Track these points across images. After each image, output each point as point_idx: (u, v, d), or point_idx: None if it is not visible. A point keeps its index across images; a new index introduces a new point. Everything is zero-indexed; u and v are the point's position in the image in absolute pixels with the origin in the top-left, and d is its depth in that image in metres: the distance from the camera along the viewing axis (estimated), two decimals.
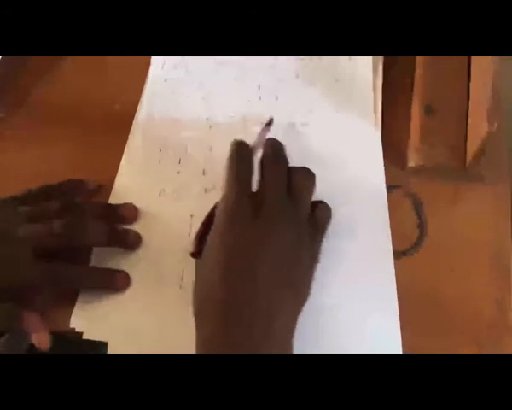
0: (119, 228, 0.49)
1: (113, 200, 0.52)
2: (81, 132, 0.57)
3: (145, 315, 0.46)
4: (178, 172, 0.53)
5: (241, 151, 0.44)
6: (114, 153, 0.55)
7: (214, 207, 0.44)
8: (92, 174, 0.53)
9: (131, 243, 0.49)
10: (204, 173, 0.53)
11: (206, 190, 0.52)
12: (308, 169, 0.45)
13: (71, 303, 0.47)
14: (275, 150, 0.45)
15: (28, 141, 0.57)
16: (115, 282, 0.47)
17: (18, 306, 0.44)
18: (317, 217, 0.45)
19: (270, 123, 0.49)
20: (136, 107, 0.58)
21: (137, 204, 0.51)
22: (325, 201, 0.46)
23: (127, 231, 0.49)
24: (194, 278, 0.43)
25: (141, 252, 0.49)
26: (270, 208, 0.42)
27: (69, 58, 0.62)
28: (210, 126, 0.55)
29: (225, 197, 0.42)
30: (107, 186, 0.53)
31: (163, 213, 0.51)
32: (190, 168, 0.53)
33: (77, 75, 0.62)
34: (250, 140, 0.52)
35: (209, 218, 0.44)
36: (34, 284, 0.45)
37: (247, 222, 0.41)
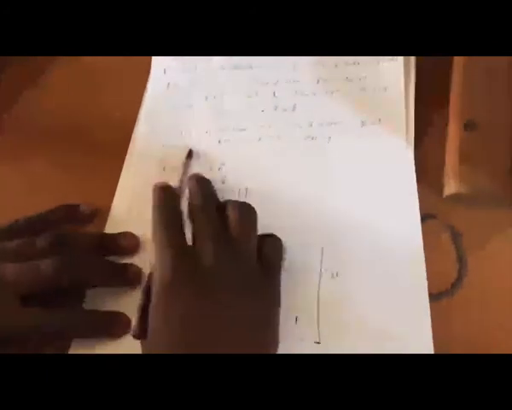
0: (117, 264, 0.44)
1: (109, 227, 0.47)
2: (73, 151, 0.52)
3: None
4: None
5: (165, 199, 0.41)
6: (111, 173, 0.49)
7: (149, 278, 0.39)
8: (86, 198, 0.48)
9: (131, 279, 0.44)
10: None
11: None
12: (243, 203, 0.41)
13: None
14: (200, 192, 0.42)
15: (14, 162, 0.52)
16: (113, 328, 0.42)
17: None
18: (267, 254, 0.40)
19: (190, 155, 0.47)
20: (135, 120, 0.52)
21: (137, 232, 0.46)
22: (349, 229, 0.43)
23: (126, 266, 0.44)
24: None
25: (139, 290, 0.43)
26: (209, 267, 0.38)
27: (58, 67, 0.56)
28: (219, 141, 0.49)
29: (159, 265, 0.38)
30: (103, 211, 0.48)
31: None
32: None
33: (67, 86, 0.56)
34: (265, 158, 0.48)
35: (146, 293, 0.39)
36: (21, 334, 0.40)
37: (187, 292, 0.37)
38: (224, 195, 0.45)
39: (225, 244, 0.38)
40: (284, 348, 0.39)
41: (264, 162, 0.48)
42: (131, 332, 0.39)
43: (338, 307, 0.41)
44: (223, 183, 0.47)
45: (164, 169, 0.49)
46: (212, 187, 0.43)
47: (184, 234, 0.40)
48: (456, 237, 0.44)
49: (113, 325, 0.42)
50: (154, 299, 0.37)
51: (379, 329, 0.40)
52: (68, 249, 0.43)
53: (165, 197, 0.41)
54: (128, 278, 0.43)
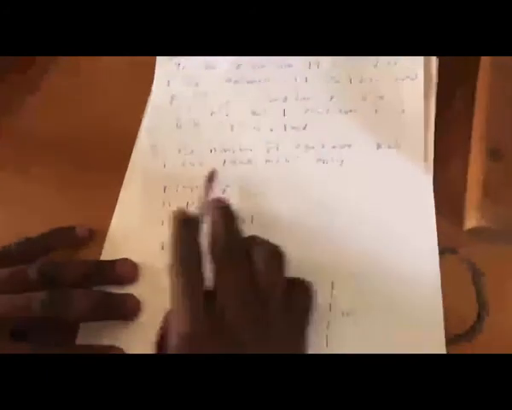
0: (114, 295, 0.41)
1: (107, 251, 0.44)
2: (70, 165, 0.48)
3: None
4: None
5: (186, 234, 0.37)
6: (110, 189, 0.46)
7: (164, 324, 0.36)
8: (83, 216, 0.45)
9: (129, 313, 0.41)
10: None
11: None
12: (271, 248, 0.37)
13: None
14: (225, 229, 0.37)
15: (8, 174, 0.49)
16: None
17: None
18: (295, 302, 0.37)
19: (212, 178, 0.42)
20: (136, 132, 0.48)
21: (136, 257, 0.43)
22: (361, 263, 0.40)
23: (124, 298, 0.41)
24: None
25: (138, 322, 0.41)
26: (233, 322, 0.34)
27: (57, 76, 0.53)
28: (224, 161, 0.46)
29: (177, 315, 0.34)
30: (100, 232, 0.45)
31: (166, 273, 0.42)
32: None
33: (66, 96, 0.52)
34: (272, 182, 0.45)
35: (160, 343, 0.35)
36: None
37: (209, 348, 0.33)
38: None
39: (251, 296, 0.35)
40: None
41: (271, 187, 0.44)
42: None
43: (348, 348, 0.39)
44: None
45: (164, 190, 0.46)
46: (238, 221, 0.39)
47: (204, 277, 0.36)
48: (476, 274, 0.40)
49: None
50: (171, 351, 0.34)
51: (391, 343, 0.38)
52: (60, 281, 0.40)
53: (186, 233, 0.37)
54: (126, 311, 0.41)
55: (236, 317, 0.34)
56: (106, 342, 0.40)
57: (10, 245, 0.42)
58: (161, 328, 0.36)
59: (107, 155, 0.48)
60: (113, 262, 0.42)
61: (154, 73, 0.51)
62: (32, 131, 0.51)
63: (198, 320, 0.34)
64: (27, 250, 0.42)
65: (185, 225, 0.37)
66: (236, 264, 0.36)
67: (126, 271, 0.42)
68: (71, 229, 0.44)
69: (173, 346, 0.34)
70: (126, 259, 0.43)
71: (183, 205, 0.45)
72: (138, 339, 0.40)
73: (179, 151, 0.47)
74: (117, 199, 0.46)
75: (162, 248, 0.43)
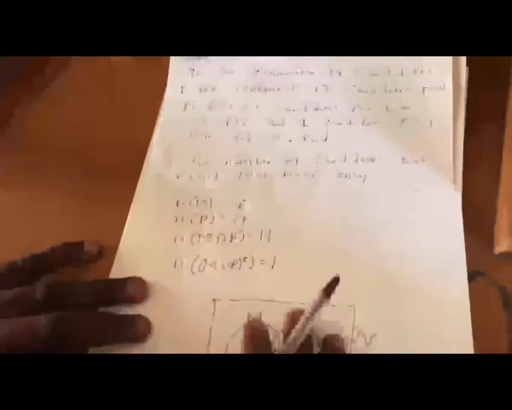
0: (123, 317, 0.40)
1: (116, 269, 0.42)
2: (77, 179, 0.47)
3: None
4: (199, 236, 0.42)
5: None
6: (119, 205, 0.44)
7: None
8: (91, 233, 0.43)
9: (139, 335, 0.39)
10: (232, 239, 0.42)
11: (233, 265, 0.41)
12: None
13: None
14: None
15: (16, 185, 0.48)
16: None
17: None
18: None
19: (332, 288, 0.34)
20: (148, 141, 0.47)
21: (146, 275, 0.41)
22: (384, 287, 0.38)
23: (134, 320, 0.39)
24: None
25: (149, 344, 0.39)
26: None
27: (67, 81, 0.52)
28: (240, 174, 0.44)
29: None
30: (109, 249, 0.43)
31: (178, 292, 0.40)
32: (215, 231, 0.42)
33: (77, 102, 0.51)
34: (290, 197, 0.43)
35: None
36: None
37: None
38: (245, 234, 0.41)
39: None
40: None
41: (290, 202, 0.42)
42: None
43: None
44: (244, 220, 0.42)
45: (177, 204, 0.44)
46: None
47: None
48: (507, 300, 0.38)
49: None
50: None
51: None
52: (68, 302, 0.39)
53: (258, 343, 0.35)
54: (136, 333, 0.39)
55: None
56: None
57: (17, 261, 0.41)
58: None
59: (117, 166, 0.46)
60: (123, 281, 0.41)
61: (167, 79, 0.49)
62: (40, 141, 0.50)
63: None
64: (34, 266, 0.41)
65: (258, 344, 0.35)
66: None
67: (137, 290, 0.40)
68: (79, 244, 0.43)
69: None
70: (137, 278, 0.41)
71: (197, 222, 0.43)
72: None
73: (193, 161, 0.45)
74: (127, 212, 0.44)
75: (174, 267, 0.41)
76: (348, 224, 0.41)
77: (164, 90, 0.49)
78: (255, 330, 0.35)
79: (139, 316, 0.40)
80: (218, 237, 0.42)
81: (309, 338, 0.34)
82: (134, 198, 0.44)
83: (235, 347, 0.37)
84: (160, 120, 0.47)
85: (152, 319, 0.40)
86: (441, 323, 0.37)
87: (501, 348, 0.37)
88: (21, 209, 0.46)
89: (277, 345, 0.35)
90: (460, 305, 0.38)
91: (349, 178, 0.43)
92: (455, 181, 0.41)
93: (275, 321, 0.36)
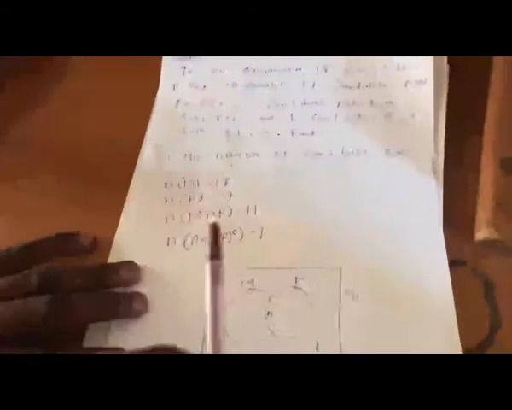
0: (120, 295, 0.41)
1: (114, 253, 0.43)
2: (74, 176, 0.48)
3: None
4: (190, 215, 0.44)
5: None
6: (114, 200, 0.45)
7: None
8: (87, 228, 0.44)
9: (137, 311, 0.40)
10: (220, 215, 0.44)
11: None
12: None
13: None
14: None
15: (11, 183, 0.48)
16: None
17: None
18: None
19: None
20: (141, 140, 0.48)
21: (142, 259, 0.42)
22: (368, 274, 0.39)
23: (131, 296, 0.40)
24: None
25: (147, 319, 0.40)
26: None
27: (62, 84, 0.53)
28: (230, 165, 0.45)
29: None
30: (105, 243, 0.44)
31: (172, 268, 0.42)
32: (204, 209, 0.44)
33: (71, 105, 0.52)
34: (280, 190, 0.44)
35: None
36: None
37: None
38: (232, 209, 0.43)
39: None
40: None
41: (279, 195, 0.44)
42: None
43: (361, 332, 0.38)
44: (230, 197, 0.44)
45: (165, 186, 0.45)
46: None
47: None
48: (488, 286, 0.40)
49: None
50: None
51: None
52: (62, 286, 0.39)
53: None
54: (134, 309, 0.40)
55: None
56: (111, 342, 0.39)
57: (11, 249, 0.41)
58: None
59: (113, 164, 0.47)
60: (116, 265, 0.42)
61: (160, 76, 0.50)
62: (37, 141, 0.51)
63: None
64: (28, 255, 0.41)
65: None
66: None
67: (130, 274, 0.41)
68: (74, 235, 0.43)
69: None
70: (130, 262, 0.42)
71: (186, 200, 0.44)
72: (145, 338, 0.39)
73: (184, 156, 0.46)
74: (122, 208, 0.45)
75: (167, 245, 0.43)
76: (334, 215, 0.42)
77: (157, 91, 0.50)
78: None
79: (137, 293, 0.40)
80: (207, 214, 0.43)
81: None
82: (128, 193, 0.45)
83: (230, 318, 0.39)
84: (153, 117, 0.48)
85: (148, 296, 0.40)
86: (424, 313, 0.38)
87: (482, 334, 0.39)
88: (19, 205, 0.47)
89: None
90: (443, 293, 0.39)
91: (335, 170, 0.44)
92: (436, 172, 0.42)
93: (266, 286, 0.38)
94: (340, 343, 0.38)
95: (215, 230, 0.39)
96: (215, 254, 0.38)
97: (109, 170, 0.47)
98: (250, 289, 0.40)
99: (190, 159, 0.46)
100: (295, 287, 0.39)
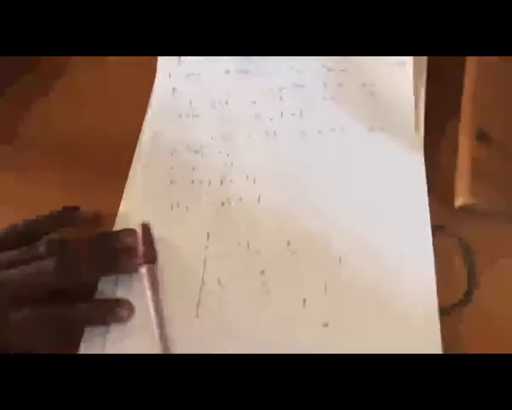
0: (118, 251, 0.43)
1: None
2: (76, 164, 0.50)
3: None
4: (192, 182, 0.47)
5: None
6: (115, 187, 0.48)
7: None
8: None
9: (136, 265, 0.43)
10: (222, 183, 0.47)
11: (223, 203, 0.46)
12: None
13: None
14: None
15: (18, 172, 0.50)
16: (116, 313, 0.42)
17: None
18: None
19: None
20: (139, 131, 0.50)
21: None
22: (351, 241, 0.42)
23: (130, 253, 0.43)
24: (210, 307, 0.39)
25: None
26: None
27: (64, 80, 0.55)
28: (228, 141, 0.49)
29: None
30: (108, 219, 0.46)
31: (175, 229, 0.45)
32: (205, 178, 0.47)
33: (72, 97, 0.54)
34: (270, 169, 0.47)
35: None
36: (24, 339, 0.40)
37: None
38: (232, 178, 0.47)
39: None
40: (292, 331, 0.39)
41: (270, 173, 0.47)
42: None
43: (346, 290, 0.41)
44: (232, 166, 0.47)
45: (171, 154, 0.48)
46: None
47: None
48: (466, 250, 0.42)
49: (115, 309, 0.42)
50: None
51: (387, 322, 0.40)
52: (68, 250, 0.42)
53: None
54: (134, 262, 0.43)
55: None
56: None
57: (18, 224, 0.44)
58: None
59: (112, 153, 0.49)
60: (116, 233, 0.44)
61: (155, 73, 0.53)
62: (38, 132, 0.52)
63: None
64: (35, 228, 0.44)
65: None
66: None
67: (130, 238, 0.43)
68: (76, 208, 0.46)
69: None
70: (129, 228, 0.44)
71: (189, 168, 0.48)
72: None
73: (182, 140, 0.49)
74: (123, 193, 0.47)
75: (171, 209, 0.46)
76: (322, 186, 0.45)
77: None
78: None
79: (132, 249, 0.43)
80: (209, 181, 0.46)
81: None
82: (129, 175, 0.48)
83: (227, 279, 0.42)
84: (152, 102, 0.51)
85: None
86: (407, 273, 0.41)
87: (460, 294, 0.41)
88: (22, 193, 0.49)
89: None
90: (424, 257, 0.42)
91: (323, 146, 0.47)
92: (417, 145, 0.45)
93: (262, 247, 0.40)
94: (326, 301, 0.40)
95: (147, 231, 0.43)
96: (149, 258, 0.42)
97: (110, 158, 0.49)
98: (246, 249, 0.43)
99: (187, 142, 0.49)
100: (287, 249, 0.42)
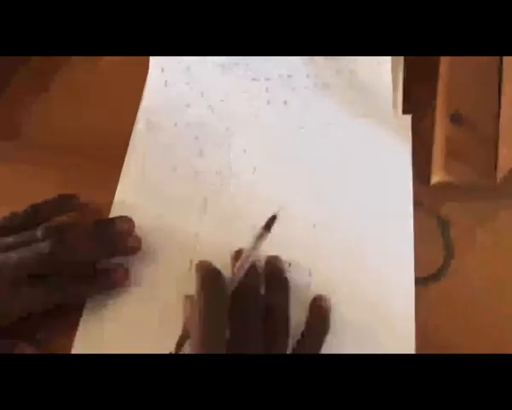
0: (117, 237, 0.46)
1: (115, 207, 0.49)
2: (73, 158, 0.52)
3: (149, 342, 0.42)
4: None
5: (213, 290, 0.39)
6: (110, 178, 0.50)
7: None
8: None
9: (131, 248, 0.45)
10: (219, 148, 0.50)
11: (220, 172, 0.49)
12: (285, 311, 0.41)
13: (73, 330, 0.44)
14: (271, 281, 0.43)
15: (12, 171, 0.52)
16: (113, 278, 0.44)
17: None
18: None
19: (272, 222, 0.40)
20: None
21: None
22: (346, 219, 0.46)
23: (124, 237, 0.45)
24: None
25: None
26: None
27: (61, 77, 0.57)
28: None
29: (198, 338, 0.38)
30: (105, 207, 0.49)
31: (176, 190, 0.49)
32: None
33: (71, 93, 0.56)
34: (255, 154, 0.49)
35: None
36: (24, 313, 0.42)
37: None
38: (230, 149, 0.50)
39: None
40: None
41: (254, 159, 0.50)
42: None
43: (324, 250, 0.45)
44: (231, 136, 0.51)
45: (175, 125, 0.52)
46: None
47: (225, 331, 0.38)
48: (443, 224, 0.45)
49: (112, 275, 0.44)
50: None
51: (365, 285, 0.43)
52: (64, 235, 0.43)
53: (213, 289, 0.39)
54: (127, 246, 0.45)
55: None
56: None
57: (18, 211, 0.46)
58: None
59: (107, 146, 0.51)
60: (112, 220, 0.46)
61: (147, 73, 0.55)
62: (37, 127, 0.54)
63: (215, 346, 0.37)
64: (34, 215, 0.46)
65: (213, 281, 0.39)
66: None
67: (124, 226, 0.46)
68: (72, 195, 0.48)
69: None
70: (123, 216, 0.46)
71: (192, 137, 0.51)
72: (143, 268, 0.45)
73: (174, 125, 0.52)
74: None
75: (172, 171, 0.49)
76: (311, 168, 0.48)
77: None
78: (208, 271, 0.40)
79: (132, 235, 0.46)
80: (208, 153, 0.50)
81: (254, 265, 0.41)
82: (125, 162, 0.50)
83: (221, 238, 0.46)
84: (145, 94, 0.53)
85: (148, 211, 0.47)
86: (385, 247, 0.44)
87: (437, 266, 0.44)
88: (23, 184, 0.51)
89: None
90: (404, 232, 0.45)
91: (307, 130, 0.50)
92: (399, 129, 0.48)
93: (256, 215, 0.42)
94: (311, 264, 0.44)
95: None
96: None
97: (106, 151, 0.51)
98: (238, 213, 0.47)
99: (180, 127, 0.51)
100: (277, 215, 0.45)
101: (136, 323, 0.43)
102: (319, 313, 0.42)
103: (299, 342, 0.40)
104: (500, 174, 0.43)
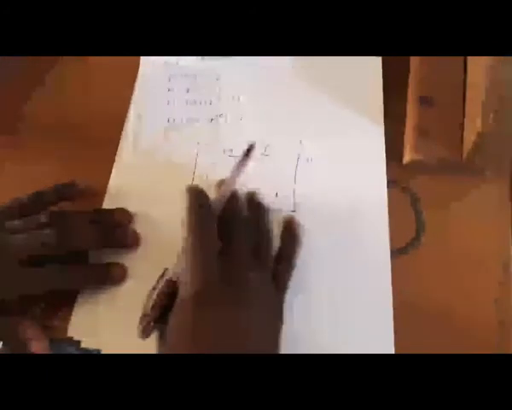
0: (115, 225, 0.48)
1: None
2: (68, 146, 0.54)
3: None
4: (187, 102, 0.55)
5: (199, 205, 0.41)
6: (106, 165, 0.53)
7: (170, 283, 0.40)
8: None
9: (130, 242, 0.48)
10: (211, 102, 0.55)
11: (212, 120, 0.54)
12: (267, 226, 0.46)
13: (69, 312, 0.46)
14: (252, 204, 0.47)
15: (13, 158, 0.55)
16: (111, 274, 0.47)
17: (15, 317, 0.44)
18: (280, 275, 0.44)
19: (250, 151, 0.43)
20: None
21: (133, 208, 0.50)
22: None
23: (124, 231, 0.48)
24: None
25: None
26: (238, 286, 0.40)
27: (58, 69, 0.59)
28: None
29: (191, 273, 0.39)
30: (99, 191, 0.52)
31: (172, 140, 0.53)
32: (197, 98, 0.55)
33: (67, 86, 0.58)
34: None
35: (164, 296, 0.40)
36: (26, 292, 0.45)
37: (215, 303, 0.39)
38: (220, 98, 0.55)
39: (255, 267, 0.42)
40: None
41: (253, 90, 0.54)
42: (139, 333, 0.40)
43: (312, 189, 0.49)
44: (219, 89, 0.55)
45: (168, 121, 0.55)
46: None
47: (217, 242, 0.41)
48: (414, 200, 0.48)
49: (110, 271, 0.47)
50: (179, 303, 0.39)
51: (343, 279, 0.46)
52: (67, 221, 0.46)
53: (199, 201, 0.41)
54: (126, 240, 0.48)
55: (241, 283, 0.40)
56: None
57: (22, 197, 0.48)
58: (166, 285, 0.40)
59: (102, 132, 0.54)
60: (110, 210, 0.49)
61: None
62: (35, 115, 0.57)
63: (210, 288, 0.39)
64: (37, 201, 0.48)
65: (199, 196, 0.42)
66: (250, 230, 0.44)
67: (121, 216, 0.49)
68: (73, 184, 0.51)
69: (183, 299, 0.39)
70: (121, 208, 0.49)
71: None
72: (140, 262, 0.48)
73: (168, 121, 0.55)
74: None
75: (168, 122, 0.54)
76: (294, 151, 0.51)
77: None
78: (197, 193, 0.42)
79: (129, 228, 0.48)
80: (200, 102, 0.54)
81: (236, 192, 0.45)
82: (118, 149, 0.53)
83: (214, 176, 0.50)
84: (136, 85, 0.56)
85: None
86: (362, 222, 0.48)
87: (409, 238, 0.47)
88: (17, 177, 0.53)
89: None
90: (379, 208, 0.48)
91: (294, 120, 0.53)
92: (376, 116, 0.52)
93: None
94: (294, 191, 0.49)
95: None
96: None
97: (100, 136, 0.54)
98: (229, 156, 0.51)
99: (172, 119, 0.54)
100: (264, 154, 0.49)
101: (130, 307, 0.43)
102: (291, 227, 0.46)
103: (276, 257, 0.45)
104: (465, 150, 0.46)
